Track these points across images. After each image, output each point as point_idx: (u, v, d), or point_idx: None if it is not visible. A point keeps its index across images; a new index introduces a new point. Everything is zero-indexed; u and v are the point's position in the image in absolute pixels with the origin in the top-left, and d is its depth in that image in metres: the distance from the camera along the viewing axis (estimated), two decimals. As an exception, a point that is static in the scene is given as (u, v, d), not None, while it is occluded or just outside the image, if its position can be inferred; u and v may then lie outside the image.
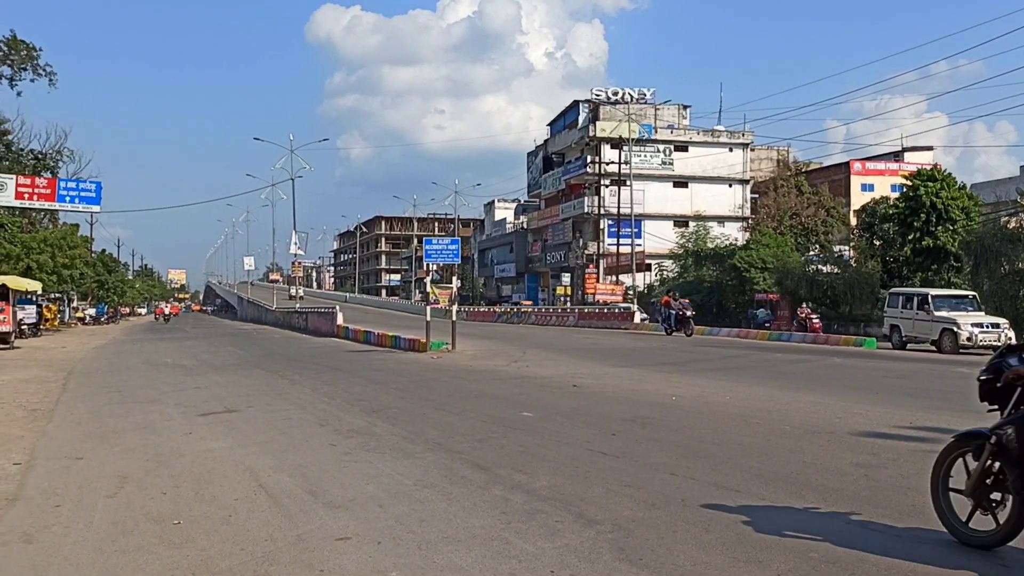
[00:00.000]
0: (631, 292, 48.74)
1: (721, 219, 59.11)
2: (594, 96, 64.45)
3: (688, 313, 31.30)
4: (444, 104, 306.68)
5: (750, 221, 59.86)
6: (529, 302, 57.49)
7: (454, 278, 28.50)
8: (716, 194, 61.23)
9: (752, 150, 64.23)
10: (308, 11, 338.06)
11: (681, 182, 61.62)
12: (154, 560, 5.06)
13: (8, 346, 29.55)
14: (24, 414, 12.02)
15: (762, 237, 45.30)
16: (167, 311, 79.59)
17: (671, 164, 61.52)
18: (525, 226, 75.48)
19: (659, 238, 56.13)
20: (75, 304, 65.45)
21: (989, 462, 4.98)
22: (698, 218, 56.57)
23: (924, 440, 8.58)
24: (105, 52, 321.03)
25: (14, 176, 40.05)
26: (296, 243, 61.91)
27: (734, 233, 56.38)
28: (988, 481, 5.02)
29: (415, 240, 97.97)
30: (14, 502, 6.59)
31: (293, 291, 79.70)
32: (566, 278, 60.39)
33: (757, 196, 62.39)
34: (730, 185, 62.10)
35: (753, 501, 6.18)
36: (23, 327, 35.73)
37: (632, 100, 62.93)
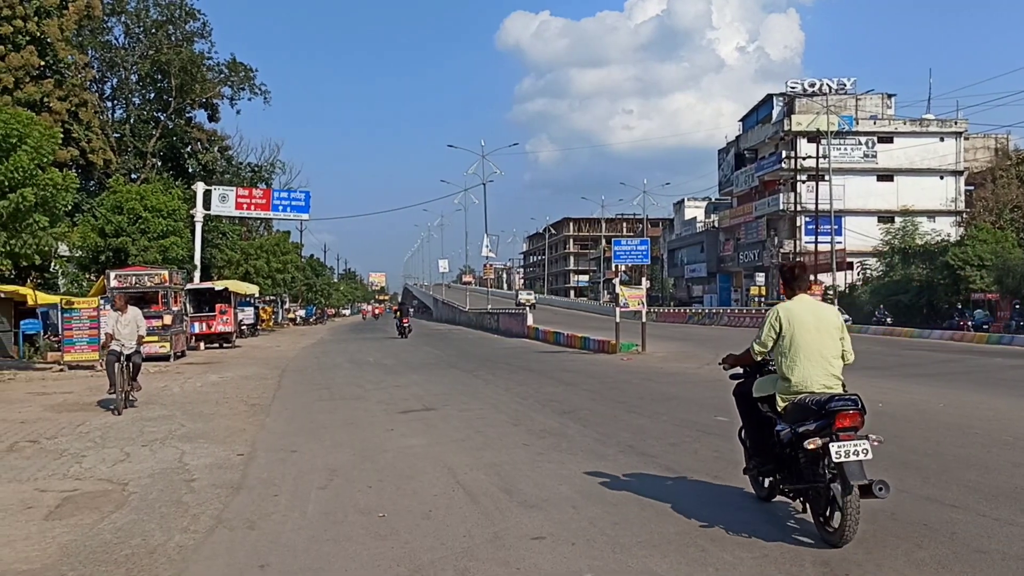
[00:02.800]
0: (831, 292, 46.54)
1: (931, 214, 55.26)
2: (789, 89, 62.03)
3: None
4: (632, 104, 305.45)
5: (964, 215, 55.67)
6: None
7: (643, 279, 28.19)
8: (925, 187, 57.25)
9: (966, 139, 59.61)
10: (498, 19, 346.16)
11: (886, 175, 58.18)
12: (362, 550, 5.35)
13: (231, 345, 32.15)
14: (246, 408, 13.04)
15: (979, 232, 41.98)
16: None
17: (874, 157, 58.22)
18: (716, 225, 73.72)
19: (861, 235, 53.26)
20: (287, 306, 70.29)
21: None
22: (905, 213, 53.11)
23: None
24: (309, 66, 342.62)
25: (234, 188, 43.62)
26: (488, 246, 63.56)
27: (946, 228, 52.61)
28: None
29: (603, 241, 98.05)
30: (238, 490, 7.16)
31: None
32: (760, 278, 58.45)
33: (972, 188, 57.86)
34: (941, 177, 57.92)
35: (971, 517, 5.75)
36: (243, 327, 38.82)
37: (831, 91, 60.03)
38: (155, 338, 23.57)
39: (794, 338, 5.53)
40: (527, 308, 44.70)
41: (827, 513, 5.18)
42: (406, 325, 38.08)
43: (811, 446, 5.07)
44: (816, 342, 5.50)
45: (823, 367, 5.47)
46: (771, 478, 5.97)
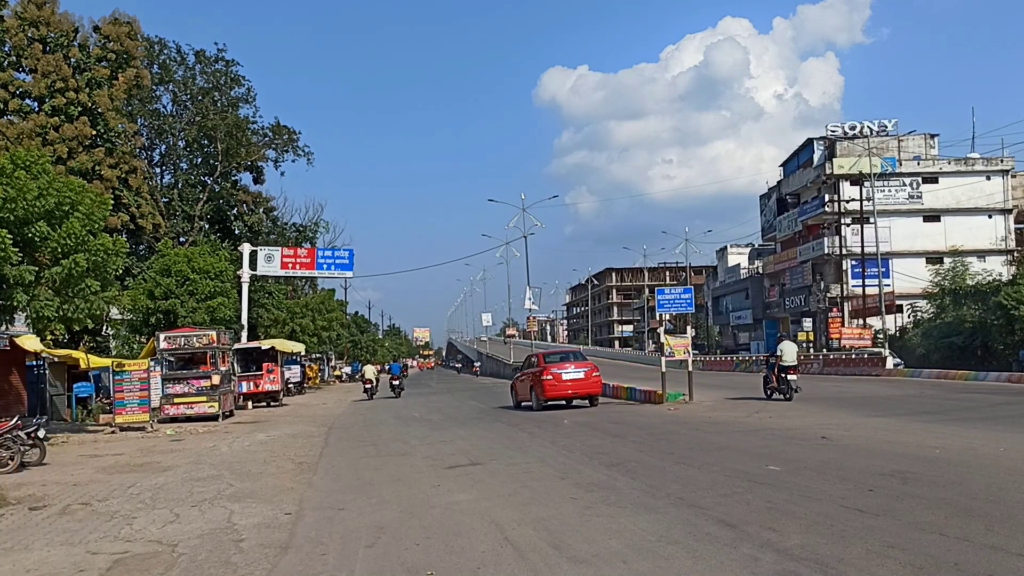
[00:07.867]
0: (881, 336, 45.68)
1: (981, 253, 54.27)
2: (829, 132, 61.73)
3: None
4: (671, 153, 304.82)
5: (1016, 254, 54.55)
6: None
7: (688, 327, 27.96)
8: (973, 226, 56.31)
9: (1013, 176, 58.71)
10: (536, 76, 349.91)
11: (932, 216, 57.39)
12: (410, 610, 5.27)
13: (278, 404, 32.36)
14: (293, 467, 13.06)
15: (1031, 270, 41.05)
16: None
17: (919, 197, 57.52)
18: (760, 271, 73.09)
19: (910, 277, 52.41)
20: (333, 363, 70.76)
21: None
22: (954, 253, 52.15)
23: None
24: (352, 125, 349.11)
25: (279, 248, 44.34)
26: (530, 298, 63.67)
27: (997, 268, 51.57)
28: None
29: (646, 290, 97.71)
30: (286, 550, 7.14)
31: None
32: (807, 323, 57.58)
33: (1023, 226, 56.72)
34: (990, 216, 56.97)
35: (1042, 568, 5.51)
36: (289, 386, 39.09)
37: (872, 133, 59.66)
38: (203, 398, 23.97)
39: None
40: None
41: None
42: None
43: None
44: None
45: None
46: None
